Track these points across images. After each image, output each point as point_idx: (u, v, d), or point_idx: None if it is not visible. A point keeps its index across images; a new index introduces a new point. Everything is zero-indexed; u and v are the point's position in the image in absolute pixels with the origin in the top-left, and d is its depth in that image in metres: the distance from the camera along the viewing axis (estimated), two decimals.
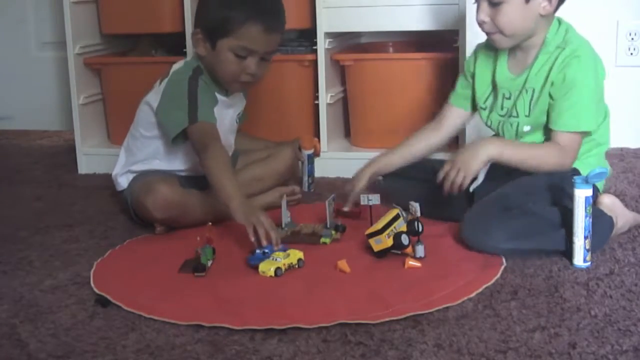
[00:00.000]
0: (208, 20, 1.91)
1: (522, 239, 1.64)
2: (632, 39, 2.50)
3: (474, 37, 2.26)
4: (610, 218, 1.71)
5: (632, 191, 2.08)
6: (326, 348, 1.31)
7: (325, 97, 2.40)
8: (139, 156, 2.01)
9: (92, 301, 1.53)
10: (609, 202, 1.75)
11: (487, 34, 1.78)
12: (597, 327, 1.35)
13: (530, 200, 1.68)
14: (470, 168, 1.69)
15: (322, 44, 2.36)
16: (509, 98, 1.82)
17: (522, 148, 1.76)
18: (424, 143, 1.96)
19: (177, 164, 1.99)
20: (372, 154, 2.04)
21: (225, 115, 2.01)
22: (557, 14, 1.81)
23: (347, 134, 2.57)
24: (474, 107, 1.93)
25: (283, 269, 1.60)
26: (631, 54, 2.51)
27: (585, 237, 1.60)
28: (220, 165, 1.78)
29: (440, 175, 1.72)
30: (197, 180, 1.97)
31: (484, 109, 1.88)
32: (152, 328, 1.41)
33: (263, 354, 1.30)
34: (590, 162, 1.77)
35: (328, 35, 2.38)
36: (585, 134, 1.74)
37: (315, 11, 2.34)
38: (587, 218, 1.60)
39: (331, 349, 1.31)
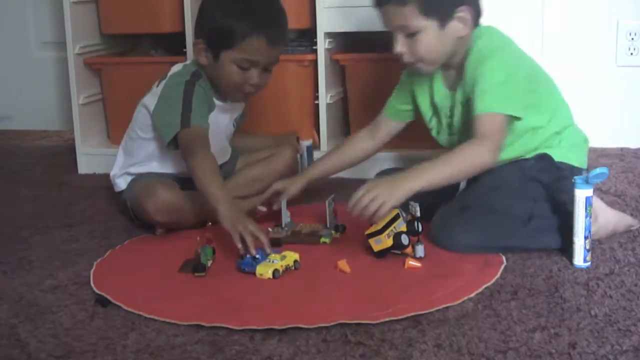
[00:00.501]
0: (211, 31, 1.91)
1: (485, 236, 1.66)
2: (632, 39, 2.50)
3: None
4: None
5: (632, 191, 2.08)
6: (326, 348, 1.31)
7: (325, 97, 2.39)
8: (137, 158, 2.01)
9: (92, 301, 1.53)
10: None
11: (408, 64, 1.76)
12: (597, 327, 1.35)
13: (494, 196, 1.68)
14: (386, 203, 1.61)
15: (322, 44, 2.36)
16: (451, 117, 1.81)
17: (443, 165, 1.65)
18: (360, 150, 1.98)
19: (175, 166, 1.99)
20: None
21: (222, 120, 2.01)
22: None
23: (347, 133, 2.56)
24: (413, 116, 1.93)
25: (280, 270, 1.60)
26: (631, 54, 2.51)
27: (586, 237, 1.60)
28: (207, 170, 1.77)
29: (353, 198, 1.63)
30: (193, 182, 1.98)
31: (432, 129, 1.89)
32: (152, 328, 1.41)
33: (263, 354, 1.30)
34: (564, 154, 1.76)
35: (328, 35, 2.38)
36: (506, 119, 1.67)
37: (315, 11, 2.34)
38: (587, 218, 1.60)
39: (331, 349, 1.31)
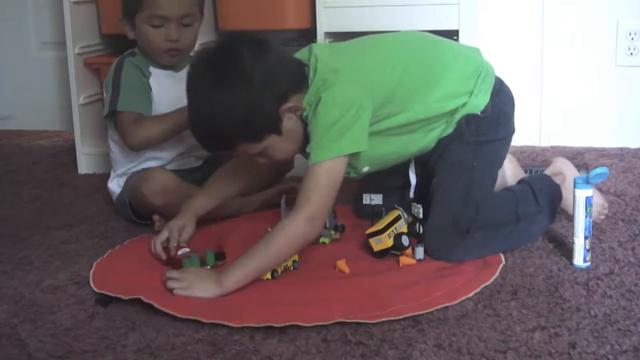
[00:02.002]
0: (124, 3, 2.04)
1: (483, 252, 1.65)
2: (632, 39, 2.50)
3: (473, 37, 2.26)
4: (557, 186, 1.77)
5: (632, 191, 2.08)
6: (326, 348, 1.31)
7: None
8: (127, 164, 2.03)
9: (92, 301, 1.53)
10: (560, 165, 1.82)
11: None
12: (597, 327, 1.35)
13: (474, 205, 1.65)
14: (183, 291, 1.51)
15: None
16: None
17: (253, 256, 1.54)
18: (233, 187, 1.84)
19: (168, 153, 2.02)
20: None
21: (175, 84, 1.97)
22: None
23: None
24: None
25: (279, 271, 1.60)
26: (631, 54, 2.51)
27: (586, 237, 1.60)
28: (150, 121, 1.95)
29: (166, 276, 1.56)
30: (192, 176, 2.01)
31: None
32: (152, 328, 1.41)
33: (263, 353, 1.30)
34: (477, 104, 1.71)
35: (328, 35, 2.37)
36: (342, 160, 1.56)
37: (315, 11, 2.34)
38: (587, 218, 1.60)
39: (331, 349, 1.31)
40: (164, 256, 1.70)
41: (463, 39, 2.22)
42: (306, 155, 1.60)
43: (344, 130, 1.56)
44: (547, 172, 1.84)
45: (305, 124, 1.62)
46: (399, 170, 1.84)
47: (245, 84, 1.53)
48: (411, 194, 1.79)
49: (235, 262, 1.55)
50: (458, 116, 1.70)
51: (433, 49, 1.74)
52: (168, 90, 2.01)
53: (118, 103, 1.96)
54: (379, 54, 1.70)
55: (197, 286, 1.51)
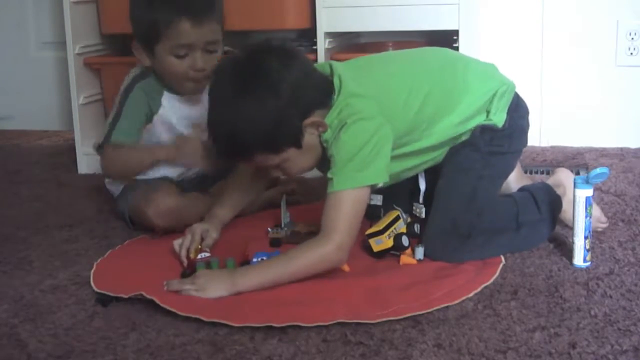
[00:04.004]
0: (138, 29, 1.89)
1: (487, 251, 1.65)
2: (632, 39, 2.50)
3: (473, 37, 2.26)
4: (558, 197, 1.77)
5: (632, 191, 2.08)
6: (326, 348, 1.31)
7: None
8: None
9: (92, 301, 1.53)
10: (563, 177, 1.81)
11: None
12: (597, 327, 1.35)
13: (477, 212, 1.65)
14: (198, 293, 1.51)
15: (322, 44, 2.36)
16: None
17: (274, 267, 1.54)
18: (248, 195, 1.87)
19: (169, 169, 1.98)
20: None
21: (185, 111, 1.96)
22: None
23: None
24: None
25: None
26: (631, 54, 2.51)
27: (586, 237, 1.60)
28: (120, 150, 1.88)
29: (173, 285, 1.55)
30: (195, 183, 1.99)
31: None
32: (152, 328, 1.41)
33: (263, 354, 1.30)
34: (501, 117, 1.71)
35: (328, 35, 2.37)
36: (360, 191, 1.55)
37: (315, 11, 2.34)
38: (587, 218, 1.60)
39: (331, 349, 1.31)
40: (185, 261, 1.68)
41: (463, 39, 2.22)
42: (322, 171, 1.61)
43: (368, 161, 1.55)
44: (549, 182, 1.84)
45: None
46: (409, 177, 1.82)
47: (271, 94, 1.52)
48: (420, 200, 1.78)
49: (254, 267, 1.57)
50: (474, 127, 1.70)
51: (455, 72, 1.71)
52: (177, 110, 1.96)
53: (112, 136, 1.90)
54: (403, 79, 1.67)
55: (210, 286, 1.51)
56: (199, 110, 1.91)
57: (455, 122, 1.67)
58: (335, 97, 1.60)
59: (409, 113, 1.63)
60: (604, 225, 1.80)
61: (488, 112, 1.70)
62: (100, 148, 1.92)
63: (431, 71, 1.70)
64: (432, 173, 1.75)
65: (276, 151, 1.58)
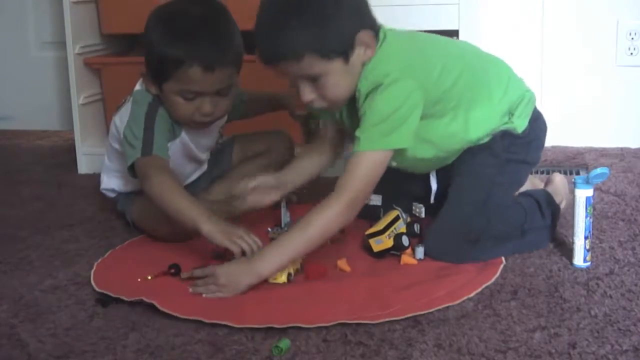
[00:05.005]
0: (148, 61, 1.78)
1: (491, 255, 1.65)
2: (632, 38, 2.50)
3: (473, 37, 2.26)
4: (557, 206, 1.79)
5: (632, 191, 2.08)
6: (326, 348, 1.31)
7: None
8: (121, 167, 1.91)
9: (92, 301, 1.53)
10: (560, 187, 1.83)
11: (320, 108, 1.63)
12: (597, 327, 1.35)
13: (488, 218, 1.66)
14: (226, 293, 1.51)
15: None
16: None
17: (289, 241, 1.55)
18: (317, 164, 1.82)
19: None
20: None
21: (195, 141, 1.91)
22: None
23: None
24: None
25: (293, 273, 1.60)
26: (631, 54, 2.51)
27: (586, 237, 1.60)
28: (169, 188, 1.67)
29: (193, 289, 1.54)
30: (195, 182, 1.99)
31: None
32: (152, 328, 1.41)
33: (263, 354, 1.30)
34: (523, 122, 1.72)
35: None
36: (385, 154, 1.57)
37: None
38: (588, 218, 1.60)
39: (331, 349, 1.31)
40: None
41: (463, 39, 2.22)
42: (341, 121, 1.65)
43: (396, 125, 1.55)
44: (548, 189, 1.84)
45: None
46: (421, 176, 1.80)
47: None
48: (432, 200, 1.78)
49: (270, 251, 1.55)
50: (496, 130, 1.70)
51: (488, 64, 1.74)
52: (190, 149, 1.90)
53: (153, 147, 1.74)
54: (439, 55, 1.66)
55: (234, 283, 1.51)
56: (206, 138, 1.93)
57: (489, 114, 1.67)
58: (378, 44, 1.60)
59: (440, 88, 1.63)
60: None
61: (512, 115, 1.71)
62: (143, 155, 1.74)
63: (465, 56, 1.71)
64: (444, 174, 1.76)
65: (326, 55, 1.53)
